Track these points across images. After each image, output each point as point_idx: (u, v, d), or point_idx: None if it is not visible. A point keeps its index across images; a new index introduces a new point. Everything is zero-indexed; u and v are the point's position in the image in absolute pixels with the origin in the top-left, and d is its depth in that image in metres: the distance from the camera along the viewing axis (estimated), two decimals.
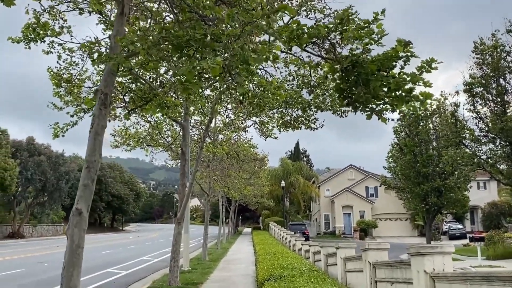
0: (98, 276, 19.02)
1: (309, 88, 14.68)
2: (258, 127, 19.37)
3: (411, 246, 7.29)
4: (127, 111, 10.31)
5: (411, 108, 6.75)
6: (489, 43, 27.66)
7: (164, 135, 21.26)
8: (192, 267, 20.44)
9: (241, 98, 8.73)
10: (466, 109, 29.06)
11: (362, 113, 6.39)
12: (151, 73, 9.73)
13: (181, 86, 5.46)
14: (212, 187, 28.23)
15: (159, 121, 19.57)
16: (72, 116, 13.85)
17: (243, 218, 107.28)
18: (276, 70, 14.18)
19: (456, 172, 34.16)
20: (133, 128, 18.86)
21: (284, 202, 65.13)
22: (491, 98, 27.71)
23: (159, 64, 9.04)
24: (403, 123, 37.55)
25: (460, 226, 58.95)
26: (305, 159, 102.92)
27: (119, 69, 7.21)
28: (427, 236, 38.22)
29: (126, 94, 9.50)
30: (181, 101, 10.14)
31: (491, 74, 27.37)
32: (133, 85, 9.37)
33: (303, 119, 15.08)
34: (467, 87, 28.02)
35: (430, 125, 36.83)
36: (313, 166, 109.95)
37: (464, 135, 29.00)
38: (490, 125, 27.33)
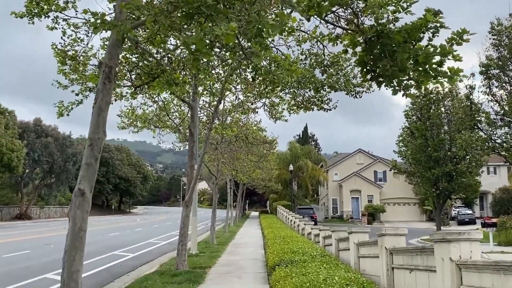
0: (105, 259, 18.78)
1: (322, 68, 14.18)
2: (268, 109, 18.93)
3: (434, 232, 6.83)
4: (133, 89, 9.87)
5: (438, 85, 6.26)
6: (507, 23, 26.84)
7: (172, 116, 20.86)
8: (200, 250, 20.14)
9: (253, 74, 8.24)
10: (481, 92, 28.36)
11: (386, 88, 5.89)
12: (159, 48, 9.23)
13: (191, 57, 4.99)
14: (220, 170, 27.87)
15: (166, 101, 19.18)
16: (77, 94, 13.44)
17: (251, 201, 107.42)
18: (288, 49, 13.67)
19: (468, 157, 33.55)
20: (140, 108, 18.44)
21: (292, 186, 64.82)
22: (507, 81, 26.95)
23: (167, 37, 8.56)
24: (414, 106, 36.91)
25: (469, 212, 58.38)
26: (313, 143, 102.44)
27: (124, 39, 6.74)
28: (437, 221, 37.75)
29: (133, 71, 9.02)
30: (190, 79, 9.65)
31: (508, 55, 26.59)
32: (140, 61, 8.89)
33: (315, 99, 14.59)
34: (483, 69, 27.26)
35: (442, 109, 36.13)
36: (321, 150, 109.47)
37: (479, 118, 28.32)
38: (506, 108, 26.63)
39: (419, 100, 35.99)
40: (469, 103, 29.27)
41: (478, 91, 34.83)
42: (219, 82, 12.83)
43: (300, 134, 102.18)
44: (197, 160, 16.09)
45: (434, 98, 34.39)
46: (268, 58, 8.70)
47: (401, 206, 67.55)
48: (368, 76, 5.95)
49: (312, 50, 14.16)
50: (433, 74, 5.94)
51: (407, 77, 5.95)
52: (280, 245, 15.23)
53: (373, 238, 12.06)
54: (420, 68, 5.74)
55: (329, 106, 13.93)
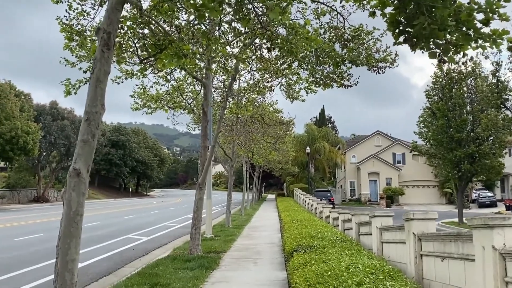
0: (118, 242, 18.36)
1: (342, 42, 13.34)
2: (285, 89, 18.17)
3: (473, 217, 6.06)
4: (142, 65, 9.19)
5: (480, 49, 5.45)
6: None
7: (186, 96, 20.23)
8: (215, 234, 19.61)
9: (269, 45, 7.48)
10: (508, 69, 27.03)
11: (423, 52, 5.09)
12: (166, 17, 8.49)
13: (195, 14, 4.26)
14: (235, 152, 27.23)
15: (179, 80, 18.51)
16: (85, 72, 12.85)
17: (267, 184, 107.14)
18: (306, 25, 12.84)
19: (491, 138, 32.36)
20: (152, 87, 17.83)
21: (309, 168, 64.04)
22: None
23: (175, 4, 7.84)
24: (435, 86, 35.71)
25: (490, 194, 57.09)
26: (330, 125, 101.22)
27: (125, 2, 6.02)
28: (458, 204, 36.69)
29: (138, 42, 8.31)
30: (200, 49, 8.91)
31: None
32: (146, 30, 8.17)
33: (335, 76, 13.78)
34: (511, 44, 25.88)
35: (465, 88, 34.85)
36: (338, 133, 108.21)
37: (506, 96, 27.09)
38: None
39: (440, 80, 34.81)
40: (495, 81, 27.98)
41: (505, 68, 33.43)
42: (233, 58, 12.05)
43: (317, 116, 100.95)
44: (210, 140, 15.44)
45: (456, 77, 33.15)
46: (285, 24, 7.91)
47: (420, 188, 66.49)
48: (401, 38, 5.15)
49: (332, 23, 13.35)
50: (474, 37, 5.16)
51: (445, 41, 5.16)
52: (298, 229, 14.57)
53: (397, 221, 11.36)
54: (464, 28, 4.94)
55: (350, 82, 13.10)
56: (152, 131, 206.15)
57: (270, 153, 28.70)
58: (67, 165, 66.08)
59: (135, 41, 8.26)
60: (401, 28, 5.07)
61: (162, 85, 17.33)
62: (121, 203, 60.02)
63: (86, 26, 11.46)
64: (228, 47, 10.96)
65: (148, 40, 8.15)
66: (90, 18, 11.03)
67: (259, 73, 17.61)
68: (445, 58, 5.24)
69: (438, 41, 4.97)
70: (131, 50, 8.85)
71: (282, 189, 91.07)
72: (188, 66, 10.90)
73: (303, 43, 8.10)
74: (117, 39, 8.19)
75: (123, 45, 8.47)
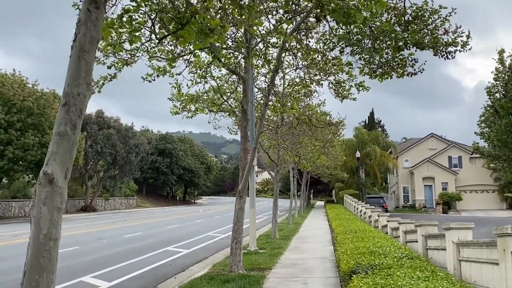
0: (155, 256, 16.91)
1: (403, 23, 11.40)
2: (334, 87, 16.36)
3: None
4: (160, 46, 7.57)
5: None
6: None
7: (226, 97, 18.74)
8: (260, 246, 17.85)
9: (318, 11, 5.73)
10: None
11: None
12: None
13: None
14: (281, 156, 25.45)
15: (217, 78, 17.04)
16: (109, 67, 11.47)
17: (315, 191, 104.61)
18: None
19: None
20: (187, 86, 16.38)
21: (359, 173, 61.39)
22: None
23: None
24: (497, 82, 32.86)
25: None
26: (380, 129, 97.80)
27: None
28: None
29: (155, 16, 6.70)
30: (228, 23, 7.23)
31: None
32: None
33: (395, 63, 11.82)
34: None
35: None
36: (388, 136, 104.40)
37: None
38: None
39: (503, 75, 32.03)
40: None
41: None
42: (273, 32, 10.30)
43: (366, 120, 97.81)
44: (251, 142, 13.75)
45: None
46: None
47: (478, 193, 62.61)
48: None
49: (390, 3, 11.45)
50: None
51: None
52: (354, 242, 12.64)
53: (479, 235, 9.29)
54: None
55: (414, 69, 11.12)
56: (200, 139, 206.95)
57: (318, 157, 26.72)
58: (113, 174, 66.17)
59: (152, 15, 6.64)
60: None
61: (198, 83, 15.81)
62: (167, 212, 59.22)
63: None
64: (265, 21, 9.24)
65: (165, 12, 6.52)
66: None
67: (305, 70, 15.88)
68: None
69: None
70: (145, 26, 7.22)
71: (331, 195, 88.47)
72: (224, 58, 9.25)
73: (363, 5, 6.24)
74: (129, 14, 6.62)
75: (137, 21, 6.86)
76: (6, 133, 39.18)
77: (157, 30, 6.84)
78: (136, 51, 11.15)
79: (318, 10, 5.79)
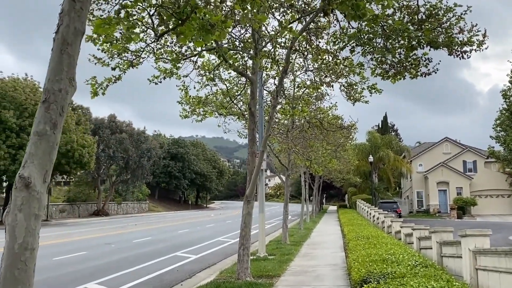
0: (164, 262, 16.58)
1: (417, 21, 10.97)
2: (345, 90, 15.99)
3: None
4: (162, 44, 7.24)
5: None
6: None
7: (235, 99, 18.45)
8: (269, 252, 17.45)
9: (325, 3, 5.37)
10: None
11: None
12: None
13: None
14: (292, 160, 25.03)
15: (226, 81, 16.75)
16: (113, 69, 11.16)
17: (328, 195, 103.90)
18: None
19: None
20: (195, 88, 16.08)
21: (372, 178, 60.64)
22: None
23: None
24: None
25: None
26: (393, 133, 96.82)
27: None
28: None
29: (153, 11, 6.37)
30: (230, 19, 6.88)
31: None
32: None
33: (408, 64, 11.38)
34: None
35: None
36: (402, 141, 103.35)
37: None
38: None
39: None
40: None
41: None
42: (279, 27, 9.91)
43: (379, 124, 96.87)
44: (259, 145, 13.39)
45: None
46: None
47: (493, 198, 61.48)
48: None
49: (403, 1, 11.05)
50: None
51: None
52: (365, 250, 12.16)
53: (494, 241, 8.80)
54: None
55: (428, 69, 10.67)
56: (212, 144, 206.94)
57: (330, 161, 26.27)
58: (126, 178, 66.15)
59: (150, 10, 6.32)
60: None
61: (206, 86, 15.52)
62: (179, 216, 58.97)
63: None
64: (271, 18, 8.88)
65: (165, 8, 6.19)
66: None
67: (315, 72, 15.52)
68: None
69: None
70: (143, 22, 6.88)
71: (344, 200, 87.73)
72: (231, 59, 8.91)
73: None
74: (125, 9, 6.30)
75: (135, 17, 6.53)
76: (18, 137, 39.21)
77: (156, 27, 6.51)
78: (141, 52, 10.88)
79: (326, 2, 5.41)
